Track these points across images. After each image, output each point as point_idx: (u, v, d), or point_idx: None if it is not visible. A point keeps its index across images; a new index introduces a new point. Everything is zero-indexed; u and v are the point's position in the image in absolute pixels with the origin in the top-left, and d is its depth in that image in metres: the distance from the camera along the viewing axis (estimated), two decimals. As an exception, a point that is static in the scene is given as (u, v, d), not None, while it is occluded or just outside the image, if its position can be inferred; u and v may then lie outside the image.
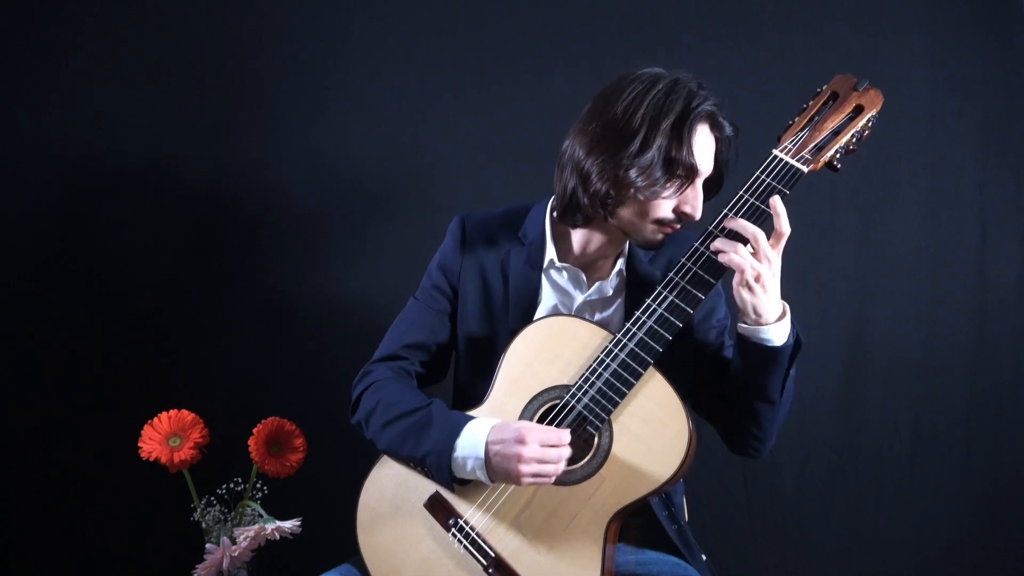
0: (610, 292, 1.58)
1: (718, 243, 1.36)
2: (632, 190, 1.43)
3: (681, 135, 1.41)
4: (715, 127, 1.47)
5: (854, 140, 1.43)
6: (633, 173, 1.41)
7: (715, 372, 1.57)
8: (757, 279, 1.34)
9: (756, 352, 1.40)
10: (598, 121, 1.46)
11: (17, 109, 2.26)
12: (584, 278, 1.59)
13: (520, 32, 2.31)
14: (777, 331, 1.38)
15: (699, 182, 1.47)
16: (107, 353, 2.29)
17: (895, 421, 2.31)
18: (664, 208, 1.46)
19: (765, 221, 1.38)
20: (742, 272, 1.33)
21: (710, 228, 1.41)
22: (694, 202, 1.47)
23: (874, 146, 2.21)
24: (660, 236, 1.50)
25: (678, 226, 1.49)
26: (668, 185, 1.43)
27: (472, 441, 1.40)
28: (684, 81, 1.45)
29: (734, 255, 1.34)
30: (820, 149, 1.41)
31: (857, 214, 2.30)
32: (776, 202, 1.36)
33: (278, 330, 2.34)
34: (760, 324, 1.37)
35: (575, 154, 1.49)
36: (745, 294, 1.35)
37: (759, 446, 1.53)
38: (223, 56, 2.31)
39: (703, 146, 1.45)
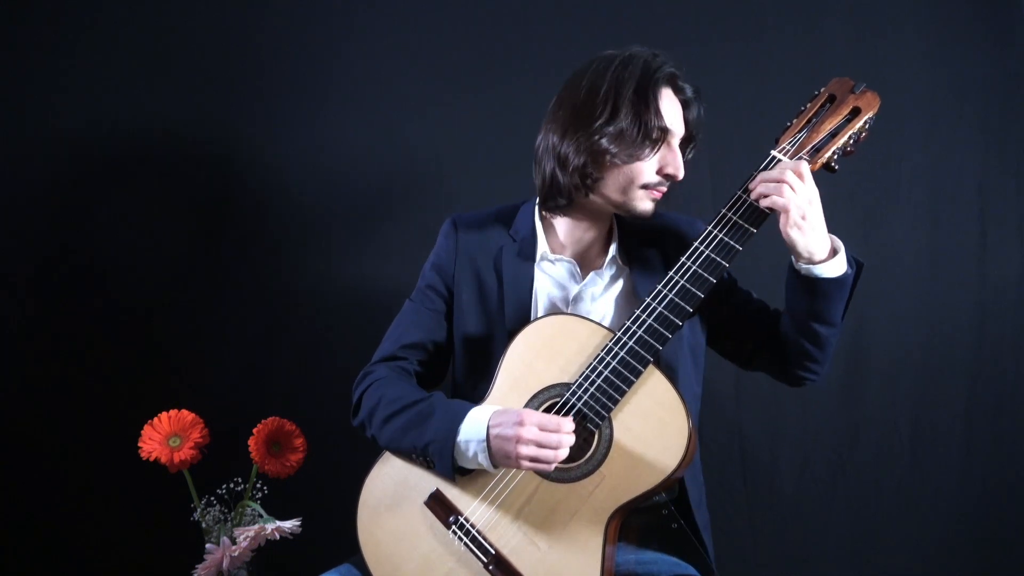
0: (606, 278, 1.60)
1: (760, 187, 1.38)
2: (608, 157, 1.48)
3: (647, 98, 1.46)
4: (677, 90, 1.53)
5: (851, 142, 1.45)
6: (605, 141, 1.47)
7: (756, 322, 1.62)
8: (803, 217, 1.36)
9: (817, 286, 1.42)
10: (565, 107, 1.53)
11: (18, 106, 2.26)
12: (578, 269, 1.61)
13: (521, 32, 2.31)
14: (832, 266, 1.41)
15: (674, 143, 1.52)
16: (107, 353, 2.29)
17: (895, 421, 2.30)
18: (647, 172, 1.50)
19: (763, 220, 1.39)
20: (787, 212, 1.35)
21: (710, 228, 1.42)
22: (675, 162, 1.51)
23: (874, 146, 2.21)
24: (649, 203, 1.54)
25: (664, 188, 1.54)
26: (643, 147, 1.47)
27: (474, 426, 1.41)
28: (639, 53, 1.52)
29: (777, 197, 1.36)
30: (818, 150, 1.43)
31: (857, 214, 2.30)
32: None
33: (278, 330, 2.34)
34: (813, 263, 1.40)
35: (549, 142, 1.55)
36: (795, 234, 1.37)
37: (818, 369, 1.57)
38: (225, 54, 2.31)
39: (669, 108, 1.50)
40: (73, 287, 2.29)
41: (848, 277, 1.44)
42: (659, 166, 1.51)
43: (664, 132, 1.49)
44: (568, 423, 1.37)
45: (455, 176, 2.32)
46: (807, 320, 1.48)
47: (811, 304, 1.45)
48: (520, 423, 1.36)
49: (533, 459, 1.36)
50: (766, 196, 1.38)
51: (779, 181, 1.36)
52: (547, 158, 1.55)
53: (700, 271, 1.39)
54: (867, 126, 1.45)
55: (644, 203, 1.53)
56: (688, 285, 1.39)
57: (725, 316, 1.64)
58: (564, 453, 1.37)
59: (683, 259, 1.41)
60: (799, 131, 1.45)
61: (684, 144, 1.57)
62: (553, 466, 1.37)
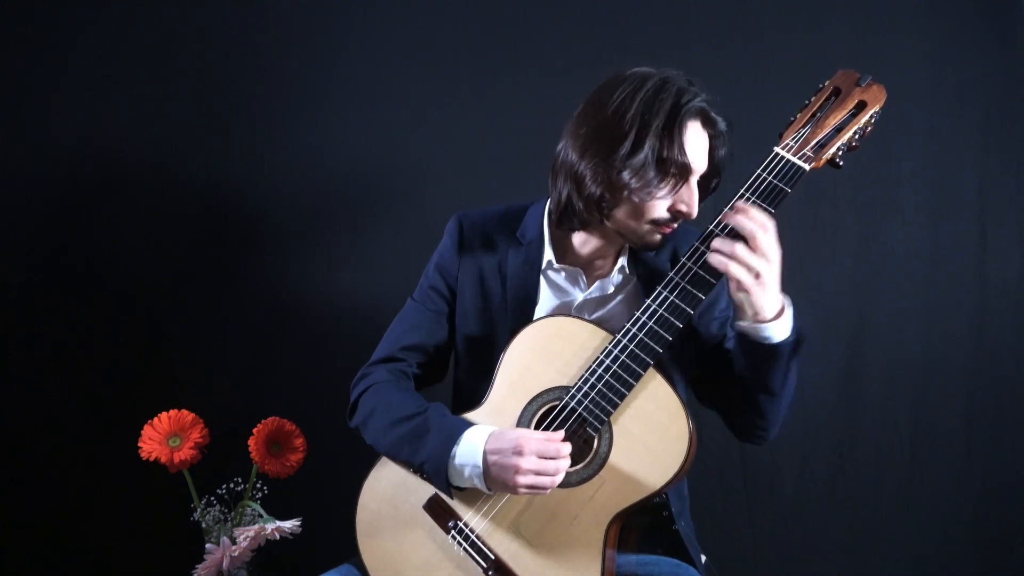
0: (611, 289, 1.58)
1: (715, 243, 1.33)
2: (626, 192, 1.42)
3: (672, 134, 1.40)
4: (707, 123, 1.46)
5: (857, 137, 1.40)
6: (626, 175, 1.41)
7: (718, 363, 1.54)
8: (757, 276, 1.30)
9: (756, 348, 1.37)
10: (589, 124, 1.46)
11: (17, 109, 2.26)
12: (583, 277, 1.58)
13: (518, 33, 2.31)
14: (777, 328, 1.35)
15: (693, 180, 1.46)
16: (107, 353, 2.29)
17: (895, 421, 2.31)
18: (659, 208, 1.45)
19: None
20: (731, 278, 1.31)
21: (710, 228, 1.39)
22: (689, 200, 1.45)
23: (875, 146, 2.20)
24: (657, 237, 1.49)
25: (675, 225, 1.49)
26: (662, 185, 1.42)
27: (470, 449, 1.40)
28: (673, 79, 1.44)
29: (723, 258, 1.31)
30: (822, 146, 1.38)
31: (857, 214, 2.30)
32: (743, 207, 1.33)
33: (278, 330, 2.34)
34: (759, 322, 1.34)
35: (568, 158, 1.48)
36: (740, 294, 1.32)
37: (763, 434, 1.52)
38: (223, 57, 2.31)
39: (695, 143, 1.44)
40: (74, 288, 2.29)
41: (785, 346, 1.36)
42: (673, 203, 1.46)
43: (685, 170, 1.43)
44: (566, 447, 1.36)
45: (455, 177, 2.31)
46: (745, 382, 1.43)
47: (747, 363, 1.41)
48: (519, 452, 1.34)
49: (531, 487, 1.35)
50: (717, 254, 1.32)
51: (730, 255, 1.30)
52: (564, 176, 1.49)
53: (701, 272, 1.37)
54: (873, 120, 1.41)
55: (651, 237, 1.49)
56: (688, 286, 1.37)
57: (698, 348, 1.57)
58: (560, 479, 1.36)
59: (683, 259, 1.39)
60: (803, 126, 1.41)
61: (707, 179, 1.51)
62: (549, 491, 1.36)
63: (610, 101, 1.43)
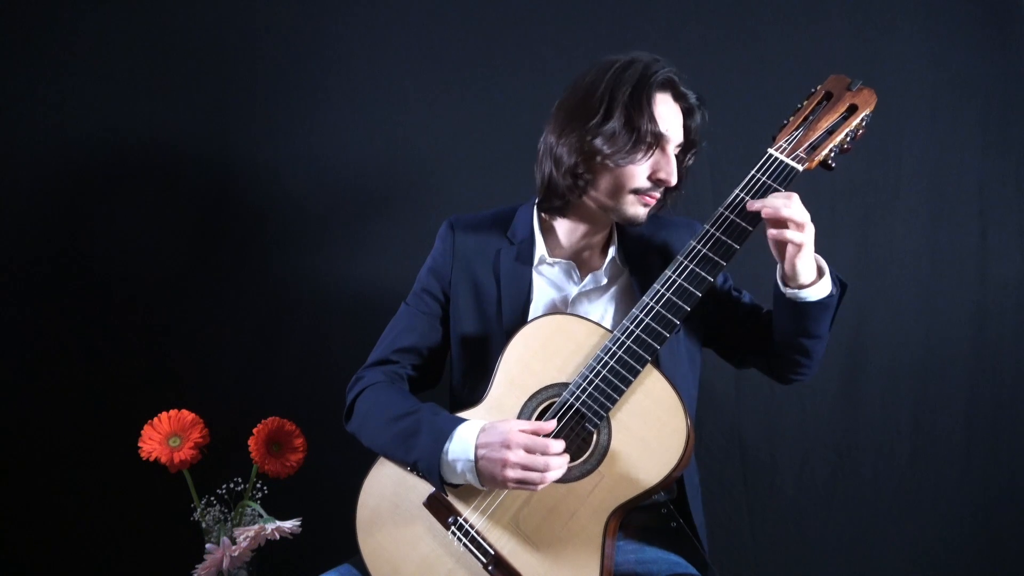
0: (604, 280, 1.60)
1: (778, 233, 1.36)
2: (599, 157, 1.48)
3: (640, 104, 1.46)
4: (677, 96, 1.52)
5: (848, 139, 1.44)
6: (598, 141, 1.46)
7: (749, 325, 1.61)
8: (799, 247, 1.36)
9: (802, 308, 1.43)
10: (564, 108, 1.53)
11: (17, 108, 2.26)
12: (576, 271, 1.60)
13: (518, 33, 2.31)
14: (819, 288, 1.41)
15: (670, 148, 1.51)
16: (107, 353, 2.29)
17: (895, 421, 2.31)
18: (639, 177, 1.49)
19: (760, 219, 1.38)
20: (801, 247, 1.36)
21: (707, 227, 1.41)
22: (667, 167, 1.50)
23: (874, 146, 2.22)
24: (641, 209, 1.53)
25: (657, 195, 1.53)
26: (635, 151, 1.47)
27: (462, 445, 1.40)
28: (640, 58, 1.51)
29: (795, 235, 1.35)
30: (814, 148, 1.42)
31: (857, 214, 2.30)
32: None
33: (278, 330, 2.34)
34: (802, 287, 1.40)
35: (548, 142, 1.55)
36: (800, 263, 1.37)
37: (807, 372, 1.60)
38: (224, 55, 2.31)
39: (666, 113, 1.49)
40: (74, 288, 2.29)
41: (832, 299, 1.44)
42: (651, 171, 1.50)
43: (658, 138, 1.48)
44: (556, 444, 1.36)
45: (453, 177, 2.32)
46: (794, 336, 1.49)
47: (796, 323, 1.46)
48: (507, 445, 1.35)
49: (520, 481, 1.35)
50: (780, 230, 1.36)
51: (799, 223, 1.35)
52: (545, 159, 1.56)
53: (697, 269, 1.39)
54: (864, 123, 1.44)
55: (635, 208, 1.52)
56: (685, 284, 1.38)
57: (717, 321, 1.64)
58: (555, 475, 1.36)
59: (679, 257, 1.41)
60: (795, 128, 1.44)
61: (684, 151, 1.56)
62: (540, 487, 1.36)
63: (581, 85, 1.51)
